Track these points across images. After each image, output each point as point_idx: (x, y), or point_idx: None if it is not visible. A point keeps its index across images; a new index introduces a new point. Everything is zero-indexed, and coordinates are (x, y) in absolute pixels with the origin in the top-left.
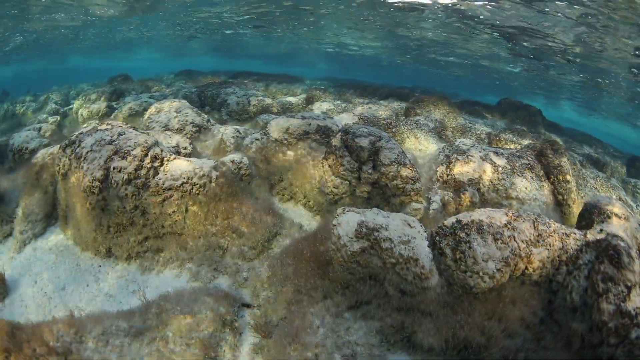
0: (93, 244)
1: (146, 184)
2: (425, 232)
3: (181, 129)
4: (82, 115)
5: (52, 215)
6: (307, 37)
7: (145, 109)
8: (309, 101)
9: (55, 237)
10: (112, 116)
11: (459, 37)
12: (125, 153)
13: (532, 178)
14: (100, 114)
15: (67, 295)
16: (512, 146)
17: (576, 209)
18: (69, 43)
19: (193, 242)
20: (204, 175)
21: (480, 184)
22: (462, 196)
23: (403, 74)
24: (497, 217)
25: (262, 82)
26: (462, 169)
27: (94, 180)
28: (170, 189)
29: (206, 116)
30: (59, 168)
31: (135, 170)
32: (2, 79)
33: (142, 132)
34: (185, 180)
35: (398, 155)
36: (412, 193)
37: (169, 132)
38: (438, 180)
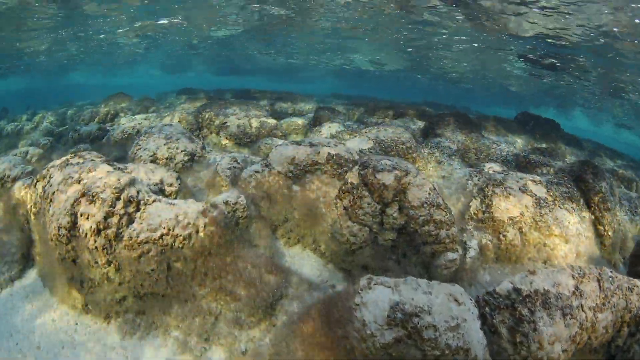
0: (68, 298)
1: (119, 235)
2: (476, 306)
3: (171, 159)
4: (72, 138)
5: (29, 256)
6: (319, 52)
7: (139, 132)
8: (317, 122)
9: (32, 283)
10: (103, 140)
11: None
12: (93, 196)
13: (573, 209)
14: (92, 137)
15: (42, 355)
16: (544, 170)
17: (615, 239)
18: (75, 60)
19: (178, 306)
20: (188, 224)
21: (522, 222)
22: (503, 239)
23: (410, 87)
24: (563, 282)
25: (266, 101)
26: (501, 205)
27: (60, 227)
28: (147, 243)
29: (201, 142)
30: (31, 206)
31: (105, 218)
32: (5, 94)
33: (116, 169)
34: (165, 232)
35: (429, 193)
36: (447, 240)
37: (151, 166)
38: (472, 218)
